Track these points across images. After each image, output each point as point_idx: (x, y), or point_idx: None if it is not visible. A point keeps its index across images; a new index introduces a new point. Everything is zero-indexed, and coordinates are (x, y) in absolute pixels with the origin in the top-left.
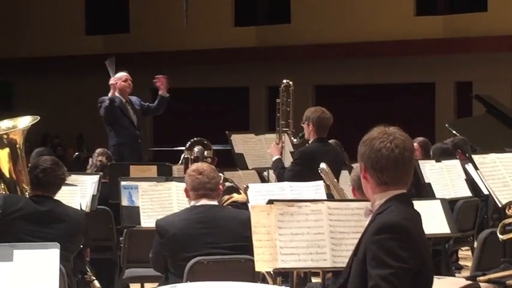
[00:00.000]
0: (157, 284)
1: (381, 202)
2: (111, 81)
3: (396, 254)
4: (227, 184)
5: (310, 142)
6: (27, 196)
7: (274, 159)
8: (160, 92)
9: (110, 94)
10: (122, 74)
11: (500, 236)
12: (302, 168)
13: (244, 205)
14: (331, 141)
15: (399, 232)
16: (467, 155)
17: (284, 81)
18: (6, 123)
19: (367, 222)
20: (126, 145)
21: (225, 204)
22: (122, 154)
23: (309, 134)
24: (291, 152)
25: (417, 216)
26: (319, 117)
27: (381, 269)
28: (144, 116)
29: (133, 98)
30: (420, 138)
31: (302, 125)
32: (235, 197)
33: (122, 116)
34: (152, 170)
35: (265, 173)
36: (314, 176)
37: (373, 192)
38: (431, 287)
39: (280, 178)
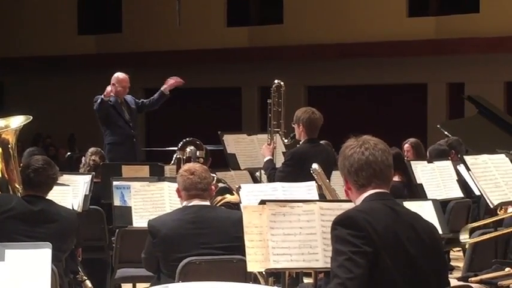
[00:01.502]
0: (149, 284)
1: (359, 204)
2: (108, 88)
3: (346, 241)
4: (220, 185)
5: (301, 143)
6: (19, 196)
7: (265, 159)
8: (163, 88)
9: (103, 95)
10: (123, 77)
11: (463, 240)
12: (293, 169)
13: (237, 206)
14: (322, 142)
15: (347, 222)
16: (459, 156)
17: (275, 81)
18: None
19: None
20: (120, 144)
21: (218, 205)
22: (116, 153)
23: (300, 134)
24: (283, 153)
25: (379, 210)
26: (309, 118)
27: (337, 260)
28: (139, 112)
29: (128, 97)
30: (412, 139)
31: (293, 125)
32: (228, 197)
33: (117, 116)
34: (144, 170)
35: (258, 174)
36: (306, 176)
37: (356, 198)
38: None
39: (271, 179)
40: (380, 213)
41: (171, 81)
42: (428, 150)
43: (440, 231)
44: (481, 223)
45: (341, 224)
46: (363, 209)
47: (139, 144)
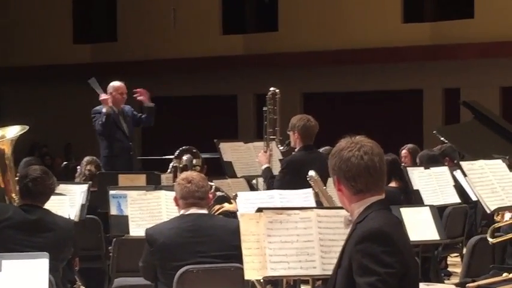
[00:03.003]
0: None
1: (360, 210)
2: (103, 96)
3: (381, 260)
4: (218, 194)
5: (296, 150)
6: (16, 205)
7: (263, 168)
8: (145, 104)
9: (104, 109)
10: (119, 85)
11: (490, 240)
12: (290, 177)
13: (234, 214)
14: (325, 148)
15: (381, 238)
16: (455, 161)
17: (271, 89)
18: None
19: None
20: (117, 157)
21: (215, 214)
22: (113, 166)
23: (295, 142)
24: (279, 160)
25: (397, 222)
26: (304, 126)
27: (368, 277)
28: (136, 126)
29: (126, 108)
30: (409, 145)
31: (288, 133)
32: (226, 206)
33: (115, 128)
34: (141, 178)
35: (254, 181)
36: (302, 183)
37: (350, 202)
38: None
39: (270, 188)
40: (398, 225)
41: (140, 97)
42: (418, 156)
43: (437, 237)
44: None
45: (373, 239)
46: (386, 221)
47: (135, 153)
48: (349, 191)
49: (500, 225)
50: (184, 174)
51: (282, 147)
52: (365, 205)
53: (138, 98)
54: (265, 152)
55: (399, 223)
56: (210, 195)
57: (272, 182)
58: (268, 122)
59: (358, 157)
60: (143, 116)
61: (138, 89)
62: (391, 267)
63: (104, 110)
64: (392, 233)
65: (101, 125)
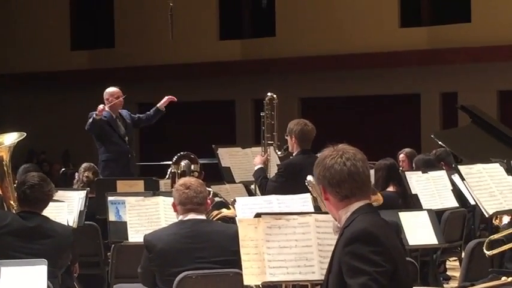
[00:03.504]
0: None
1: (347, 216)
2: (100, 106)
3: (370, 259)
4: (216, 199)
5: (294, 155)
6: (14, 212)
7: (256, 168)
8: (159, 105)
9: (94, 114)
10: (114, 90)
11: (486, 252)
12: (287, 181)
13: (233, 220)
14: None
15: (368, 238)
16: (453, 165)
17: (268, 94)
18: None
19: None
20: (116, 161)
21: (214, 220)
22: (111, 170)
23: (293, 146)
24: (277, 165)
25: (383, 224)
26: (302, 130)
27: (358, 277)
28: (135, 127)
29: (124, 112)
30: (407, 150)
31: (286, 137)
32: (225, 212)
33: (112, 132)
34: (139, 184)
35: (252, 186)
36: (299, 188)
37: (337, 209)
38: None
39: (261, 188)
40: (385, 226)
41: (166, 99)
42: (414, 160)
43: (435, 241)
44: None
45: (360, 240)
46: (373, 221)
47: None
48: (335, 198)
49: (496, 237)
50: (182, 180)
51: (280, 153)
52: (351, 210)
53: (166, 99)
54: (262, 155)
55: (386, 225)
56: (208, 201)
57: (265, 182)
58: (265, 127)
59: (340, 163)
60: (142, 115)
61: (170, 96)
62: (380, 265)
63: (94, 115)
64: (378, 233)
65: (89, 124)
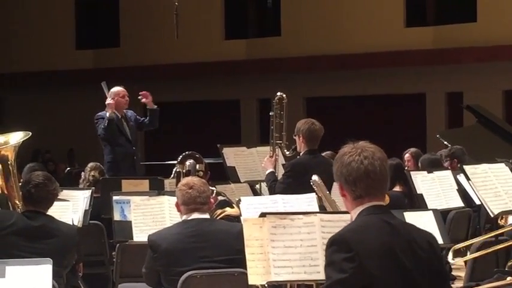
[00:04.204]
0: None
1: (355, 216)
2: (108, 100)
3: (338, 266)
4: (220, 198)
5: (300, 154)
6: (19, 212)
7: (267, 172)
8: (148, 106)
9: (107, 113)
10: (119, 89)
11: (450, 261)
12: (293, 181)
13: (237, 219)
14: (326, 153)
15: (339, 244)
16: (459, 165)
17: (278, 93)
18: None
19: None
20: (121, 162)
21: (217, 218)
22: (116, 171)
23: (300, 146)
24: (283, 165)
25: (377, 225)
26: (309, 129)
27: (326, 283)
28: (139, 130)
29: (129, 113)
30: (412, 149)
31: (294, 137)
32: (228, 210)
33: (118, 134)
34: (144, 184)
35: (258, 186)
36: (306, 188)
37: (352, 207)
38: None
39: (272, 191)
40: (374, 228)
41: (144, 99)
42: (420, 160)
43: (441, 241)
44: (467, 243)
45: (334, 243)
46: (356, 226)
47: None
48: (350, 195)
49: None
50: (185, 180)
51: (288, 152)
52: (359, 210)
53: (142, 100)
54: (271, 157)
55: (378, 226)
56: (212, 200)
57: (274, 185)
58: (274, 127)
59: (358, 161)
60: (146, 119)
61: (142, 92)
62: (346, 272)
63: (107, 114)
64: (352, 240)
65: (103, 129)
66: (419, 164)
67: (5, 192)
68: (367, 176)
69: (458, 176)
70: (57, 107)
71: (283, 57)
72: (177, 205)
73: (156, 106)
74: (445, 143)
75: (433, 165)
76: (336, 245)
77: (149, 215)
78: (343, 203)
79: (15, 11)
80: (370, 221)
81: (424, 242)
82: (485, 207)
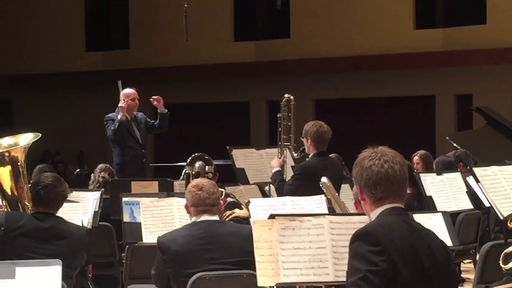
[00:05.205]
0: None
1: (374, 217)
2: (121, 103)
3: (365, 258)
4: (229, 199)
5: (310, 157)
6: (29, 213)
7: (273, 171)
8: (159, 110)
9: (119, 116)
10: (129, 91)
11: (503, 266)
12: (303, 183)
13: (246, 220)
14: (331, 155)
15: (367, 238)
16: (468, 167)
17: (285, 95)
18: (7, 141)
19: None
20: (130, 164)
21: (226, 220)
22: (125, 173)
23: (309, 148)
24: (292, 167)
25: (399, 224)
26: (317, 132)
27: (352, 276)
28: (149, 133)
29: (139, 115)
30: (421, 152)
31: (302, 139)
32: (237, 212)
33: (128, 136)
34: (153, 185)
35: (267, 188)
36: (315, 190)
37: (371, 209)
38: None
39: (279, 191)
40: (397, 227)
41: (155, 103)
42: (434, 162)
43: (450, 244)
44: None
45: (360, 238)
46: (381, 223)
47: (148, 160)
48: (370, 199)
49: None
50: (195, 182)
51: (296, 154)
52: (380, 211)
53: (154, 103)
54: (279, 158)
55: (400, 225)
56: (221, 202)
57: (282, 185)
58: (282, 129)
59: (378, 165)
60: (156, 122)
61: (154, 96)
62: (375, 265)
63: (118, 117)
64: (379, 234)
65: (113, 131)
66: (434, 166)
67: (15, 193)
68: (387, 180)
69: (467, 178)
70: (67, 108)
71: (293, 59)
72: (186, 207)
73: (166, 110)
74: (455, 145)
75: (448, 167)
76: (362, 239)
77: (158, 216)
78: (362, 206)
79: (25, 13)
80: (392, 220)
81: (441, 248)
82: (494, 210)
